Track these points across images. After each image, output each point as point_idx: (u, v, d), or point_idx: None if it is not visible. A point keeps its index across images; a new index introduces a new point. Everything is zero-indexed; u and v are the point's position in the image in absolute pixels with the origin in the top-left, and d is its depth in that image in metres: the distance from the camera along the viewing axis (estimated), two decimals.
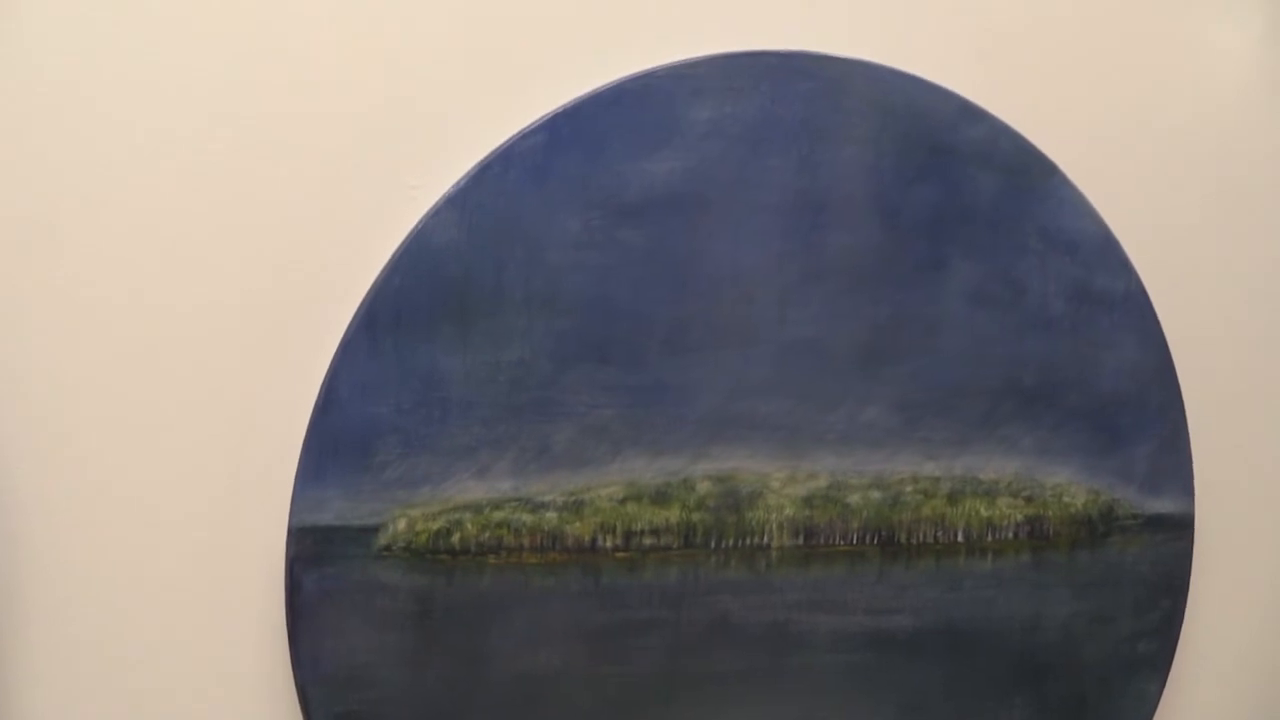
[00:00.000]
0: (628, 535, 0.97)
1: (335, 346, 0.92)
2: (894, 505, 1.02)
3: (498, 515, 0.95)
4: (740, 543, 0.99)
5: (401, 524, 0.93)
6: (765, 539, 1.00)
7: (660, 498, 0.98)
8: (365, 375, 0.92)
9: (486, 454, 0.94)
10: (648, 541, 0.97)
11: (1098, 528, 1.06)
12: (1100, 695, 1.08)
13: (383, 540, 0.93)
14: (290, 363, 0.94)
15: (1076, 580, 1.06)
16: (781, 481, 1.00)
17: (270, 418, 0.94)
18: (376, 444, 0.93)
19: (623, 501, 0.97)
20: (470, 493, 0.94)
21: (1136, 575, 1.08)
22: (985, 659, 1.04)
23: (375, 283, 0.92)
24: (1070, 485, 1.06)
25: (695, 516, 0.99)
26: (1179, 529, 1.09)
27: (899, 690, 1.03)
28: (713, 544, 0.99)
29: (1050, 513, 1.05)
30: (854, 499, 1.02)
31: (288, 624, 0.92)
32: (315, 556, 0.92)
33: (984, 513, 1.04)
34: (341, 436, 0.92)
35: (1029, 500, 1.05)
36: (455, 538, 0.94)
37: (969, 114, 1.01)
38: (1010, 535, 1.04)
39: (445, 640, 0.95)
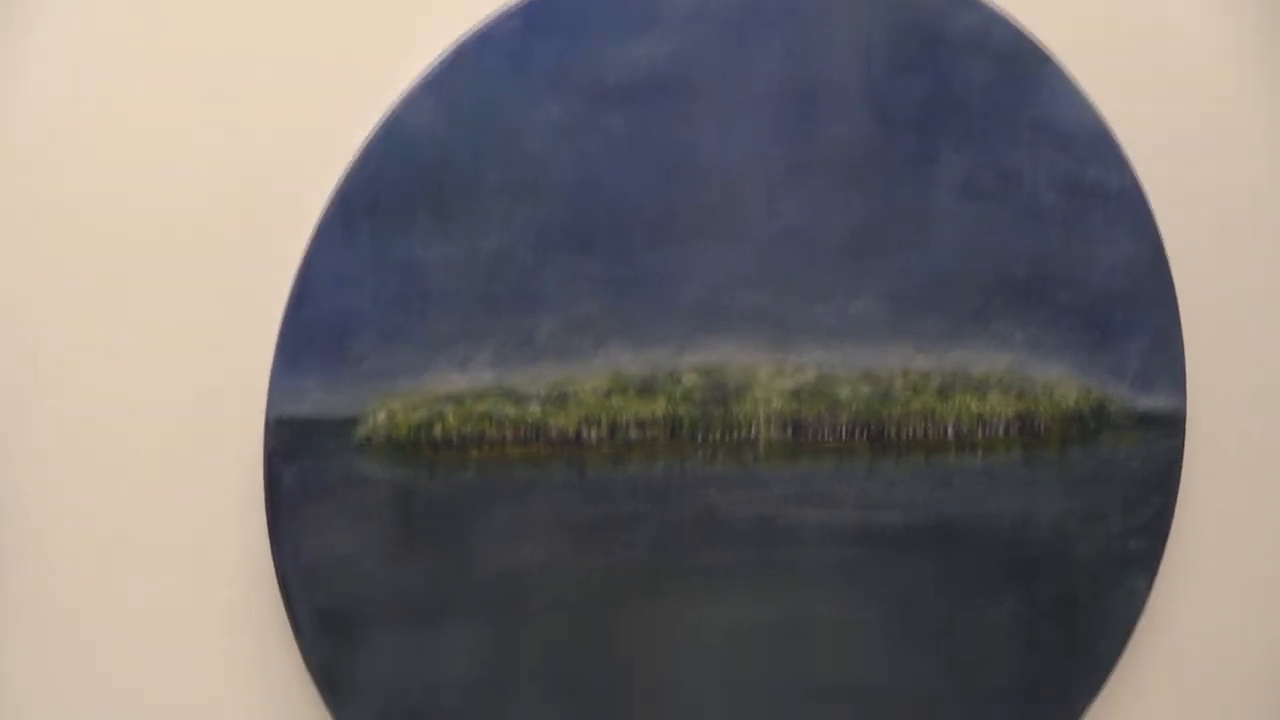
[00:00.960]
0: (613, 428, 0.87)
1: (310, 236, 0.82)
2: (884, 400, 0.91)
3: (480, 407, 0.85)
4: (727, 436, 0.89)
5: (381, 416, 0.83)
6: (752, 433, 0.89)
7: (646, 390, 0.87)
8: (341, 265, 0.82)
9: (467, 345, 0.84)
10: (633, 434, 0.87)
11: (1089, 424, 0.95)
12: (1090, 592, 0.97)
13: (363, 432, 0.83)
14: (265, 253, 0.83)
15: (1067, 477, 0.95)
16: (769, 374, 0.90)
17: (246, 310, 0.84)
18: (354, 335, 0.82)
19: (607, 394, 0.87)
20: (452, 384, 0.84)
21: (1127, 472, 0.97)
22: (975, 556, 0.94)
23: (349, 170, 0.81)
24: (1062, 381, 0.95)
25: (681, 409, 0.88)
26: (1170, 426, 0.97)
27: (888, 586, 0.92)
28: (699, 437, 0.88)
29: (1041, 409, 0.94)
30: (843, 393, 0.91)
31: (268, 518, 0.82)
32: (294, 449, 0.82)
33: (975, 408, 0.93)
34: (318, 327, 0.82)
35: (1020, 396, 0.94)
36: (437, 430, 0.84)
37: (961, 0, 0.89)
38: (1001, 431, 0.94)
39: (428, 533, 0.85)
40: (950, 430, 0.91)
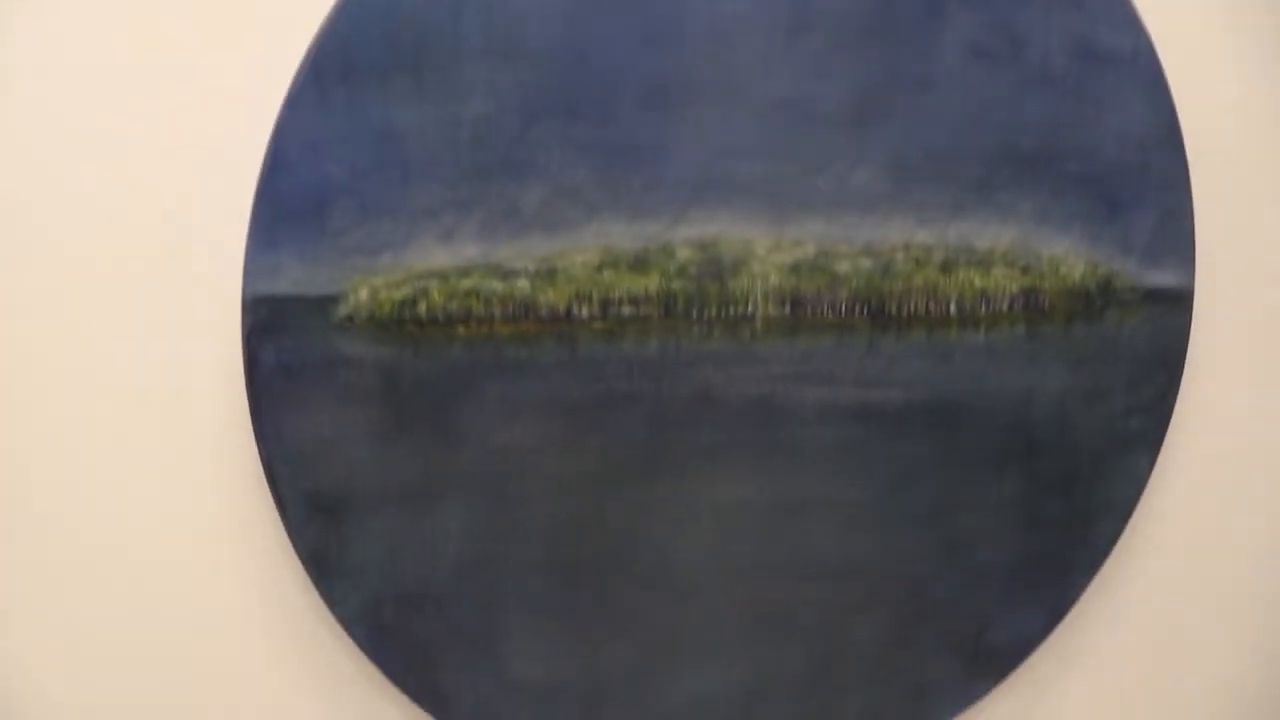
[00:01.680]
0: (605, 304, 0.78)
1: (281, 101, 0.72)
2: (885, 274, 0.82)
3: (466, 283, 0.76)
4: (723, 313, 0.80)
5: (363, 293, 0.75)
6: (749, 309, 0.81)
7: (639, 265, 0.78)
8: (315, 133, 0.72)
9: (451, 217, 0.75)
10: (626, 311, 0.78)
11: (1095, 301, 0.86)
12: (1091, 471, 0.89)
13: (344, 311, 0.74)
14: (233, 122, 0.74)
15: (1071, 354, 0.86)
16: (766, 248, 0.80)
17: (217, 182, 0.74)
18: (331, 207, 0.73)
19: (599, 269, 0.78)
20: (435, 259, 0.75)
21: (1132, 350, 0.88)
22: (976, 434, 0.86)
23: (321, 29, 0.71)
24: (1068, 256, 0.85)
25: (676, 285, 0.79)
26: (1177, 302, 0.88)
27: (888, 465, 0.84)
28: (694, 314, 0.80)
29: (1047, 284, 0.85)
30: (843, 267, 0.82)
31: (249, 401, 0.74)
32: (273, 328, 0.73)
33: (978, 283, 0.84)
34: (293, 199, 0.73)
35: (1025, 271, 0.85)
36: (421, 307, 0.75)
37: None
38: (1005, 307, 0.85)
39: (415, 414, 0.77)
40: (953, 306, 0.83)
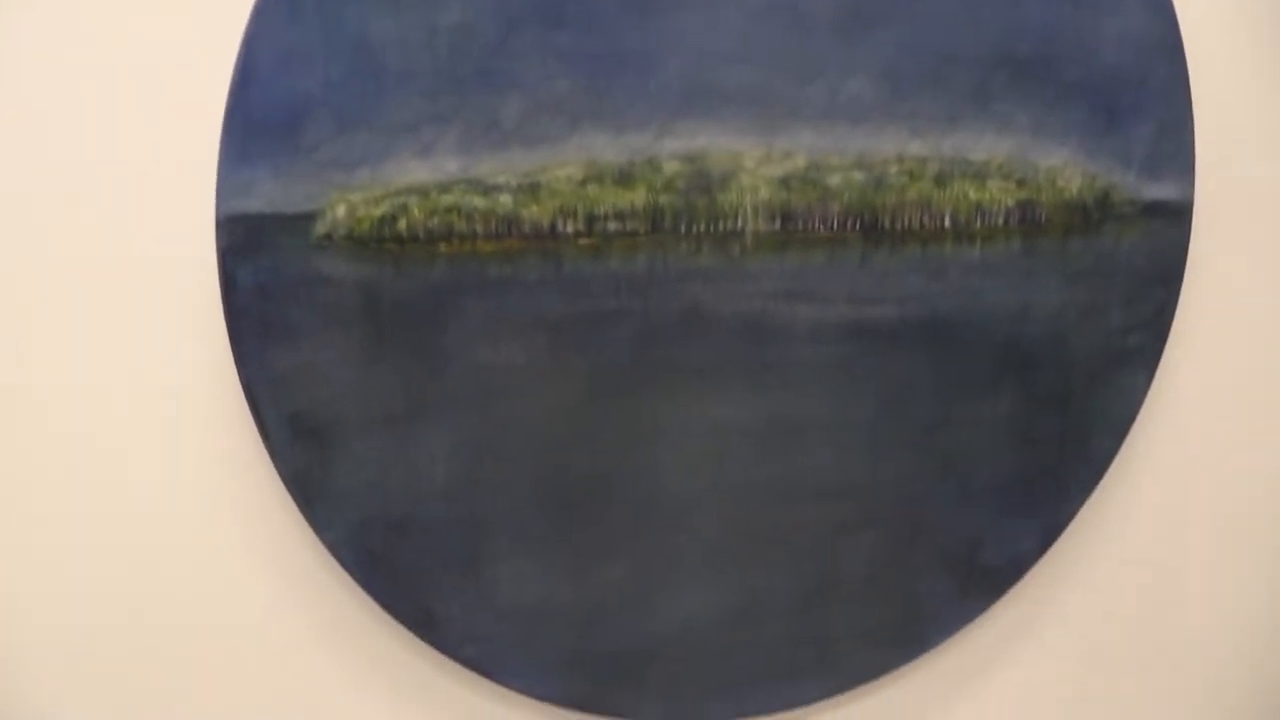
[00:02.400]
0: (590, 220, 0.75)
1: (249, 11, 0.69)
2: (877, 187, 0.80)
3: (446, 199, 0.73)
4: (712, 228, 0.78)
5: (340, 210, 0.72)
6: (739, 224, 0.78)
7: (624, 179, 0.76)
8: (286, 43, 0.69)
9: (429, 131, 0.72)
10: (612, 226, 0.76)
11: (1092, 214, 0.84)
12: (1087, 388, 0.87)
13: (321, 229, 0.72)
14: (201, 33, 0.71)
15: (1068, 269, 0.84)
16: (756, 161, 0.78)
17: (186, 97, 0.71)
18: (305, 120, 0.70)
19: (583, 183, 0.75)
20: (414, 174, 0.73)
21: (1130, 265, 0.85)
22: (971, 351, 0.83)
23: None
24: (1065, 168, 0.83)
25: (663, 199, 0.76)
26: (1177, 217, 0.86)
27: (881, 383, 0.82)
28: (682, 229, 0.77)
29: (1043, 197, 0.83)
30: (834, 180, 0.79)
31: (227, 323, 0.72)
32: (248, 247, 0.71)
33: (973, 196, 0.82)
34: (266, 113, 0.70)
35: (1021, 184, 0.82)
36: (401, 224, 0.73)
37: None
38: (1000, 221, 0.82)
39: (397, 334, 0.74)
40: (947, 220, 0.80)
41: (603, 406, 0.76)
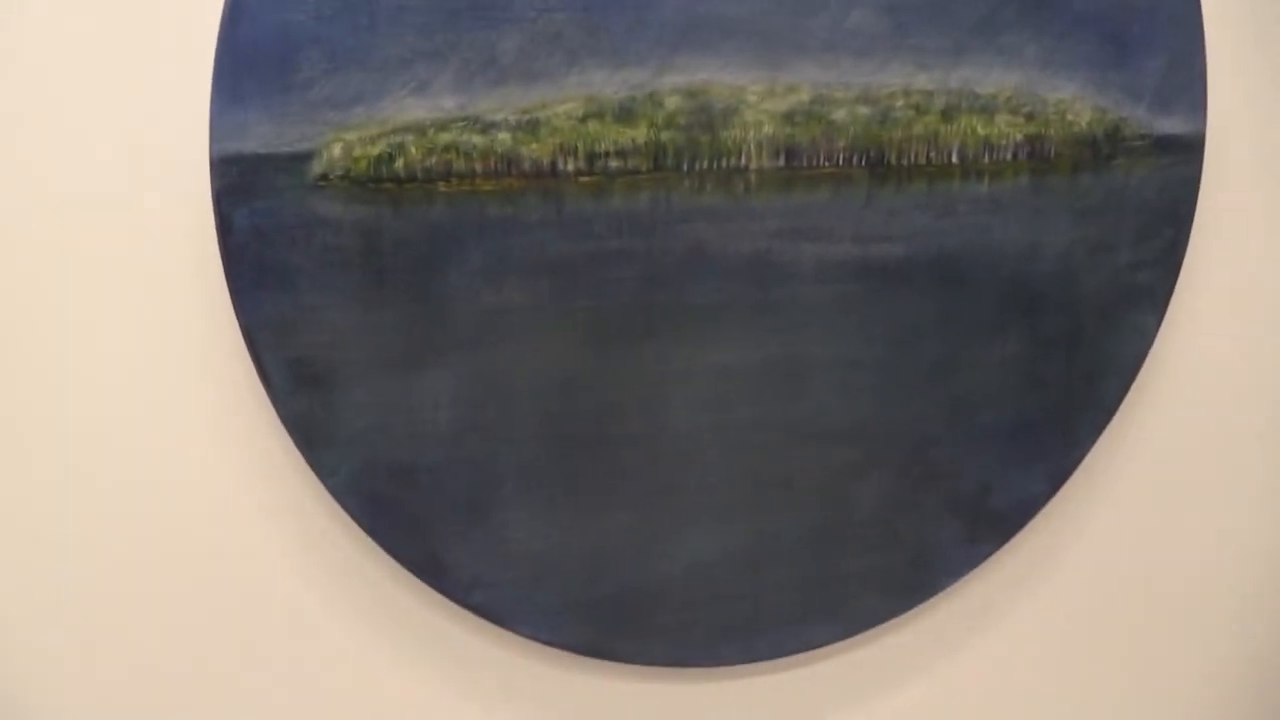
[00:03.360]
0: (591, 157, 0.73)
1: None
2: (883, 122, 0.78)
3: (444, 137, 0.71)
4: (715, 165, 0.76)
5: (336, 150, 0.70)
6: (743, 160, 0.76)
7: (625, 115, 0.74)
8: None
9: (425, 67, 0.70)
10: (613, 164, 0.74)
11: (1102, 149, 0.82)
12: (1097, 327, 0.85)
13: (317, 169, 0.70)
14: None
15: (1077, 206, 0.82)
16: (759, 95, 0.75)
17: (176, 35, 0.69)
18: (297, 57, 0.68)
19: (583, 119, 0.73)
20: (411, 112, 0.71)
21: (1140, 201, 0.83)
22: (979, 289, 0.81)
23: None
24: (1075, 101, 0.80)
25: (665, 135, 0.74)
26: (1188, 151, 0.83)
27: (888, 322, 0.80)
28: (685, 166, 0.75)
29: (1052, 132, 0.80)
30: (839, 115, 0.77)
31: (224, 267, 0.70)
32: (244, 189, 0.69)
33: (981, 131, 0.79)
34: (257, 49, 0.68)
35: (1030, 118, 0.80)
36: (398, 164, 0.71)
37: None
38: (1009, 156, 0.80)
39: (397, 276, 0.73)
40: (954, 155, 0.78)
41: (607, 349, 0.75)
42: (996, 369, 0.82)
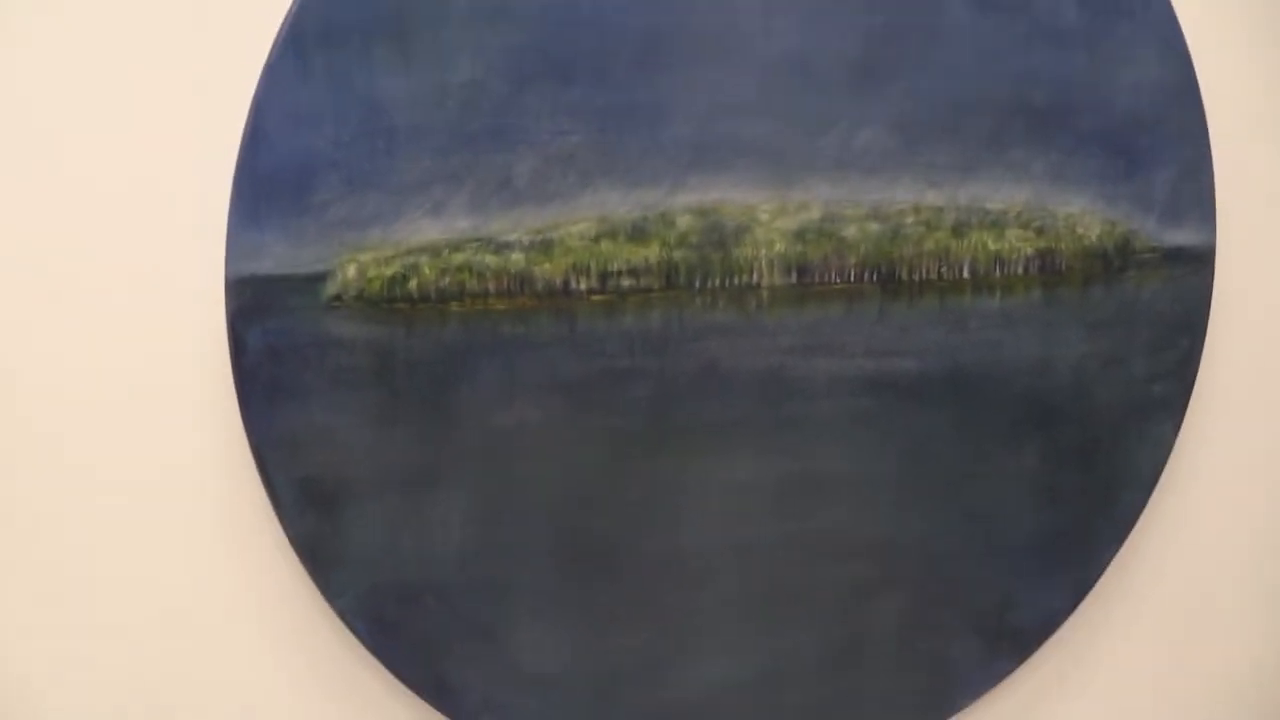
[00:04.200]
0: (603, 276, 0.73)
1: (259, 72, 0.68)
2: (894, 238, 0.77)
3: (458, 258, 0.71)
4: (727, 282, 0.75)
5: (351, 270, 0.70)
6: (754, 278, 0.76)
7: (637, 234, 0.73)
8: (296, 103, 0.68)
9: (440, 189, 0.70)
10: (626, 283, 0.74)
11: (1113, 261, 0.81)
12: (1113, 440, 0.84)
13: (331, 289, 0.70)
14: (211, 96, 0.69)
15: (1090, 319, 0.81)
16: (770, 214, 0.75)
17: (196, 159, 0.70)
18: (315, 181, 0.68)
19: (596, 239, 0.73)
20: (425, 233, 0.70)
21: (1153, 312, 0.83)
22: (992, 403, 0.80)
23: None
24: (1084, 215, 0.80)
25: (677, 254, 0.74)
26: (1199, 262, 0.83)
27: (902, 437, 0.79)
28: (697, 284, 0.75)
29: (1063, 245, 0.80)
30: (850, 232, 0.77)
31: (236, 386, 0.70)
32: (258, 309, 0.69)
33: (992, 246, 0.79)
34: (275, 174, 0.68)
35: (1040, 232, 0.80)
36: (412, 284, 0.71)
37: None
38: (1020, 270, 0.80)
39: (409, 396, 0.72)
40: (966, 270, 0.78)
41: (620, 467, 0.74)
42: (1013, 483, 0.81)
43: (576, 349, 0.71)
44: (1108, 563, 0.84)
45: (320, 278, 0.68)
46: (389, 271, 0.68)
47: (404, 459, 0.70)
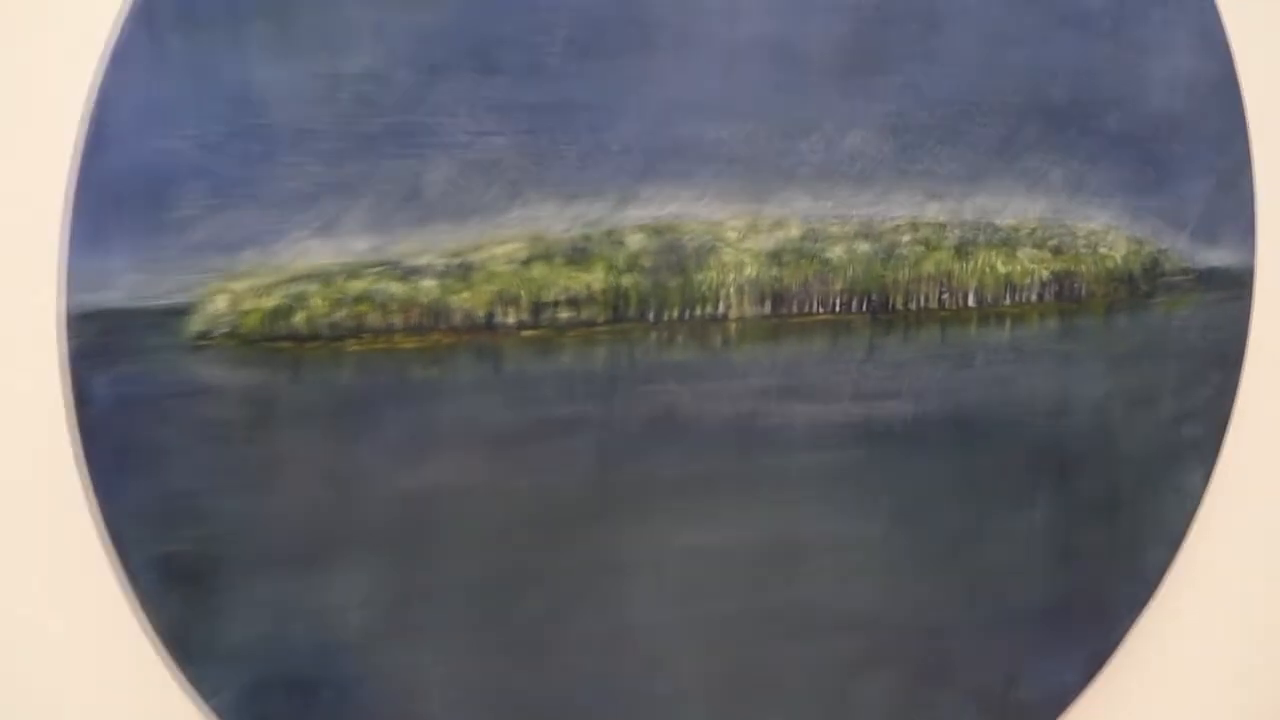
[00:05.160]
0: (536, 308, 0.60)
1: (103, 57, 0.54)
2: (887, 260, 0.65)
3: (356, 286, 0.57)
4: (688, 314, 0.62)
5: (221, 302, 0.56)
6: (721, 308, 0.62)
7: (578, 257, 0.60)
8: (150, 96, 0.54)
9: (333, 203, 0.56)
10: (564, 315, 0.60)
11: (1140, 286, 0.70)
12: (1136, 491, 0.73)
13: (197, 325, 0.56)
14: (43, 83, 0.56)
15: (1112, 352, 0.70)
16: (740, 232, 0.62)
17: (22, 166, 0.56)
18: (175, 192, 0.54)
19: (527, 262, 0.59)
20: (315, 256, 0.57)
21: (1184, 344, 0.72)
22: (1000, 452, 0.69)
23: None
24: (1108, 233, 0.69)
25: (626, 280, 0.61)
26: (1237, 287, 0.72)
27: (894, 494, 0.67)
28: (651, 316, 0.61)
29: (1083, 268, 0.68)
30: (836, 253, 0.64)
31: (83, 447, 0.56)
32: (106, 351, 0.55)
33: (1001, 268, 0.67)
34: (125, 183, 0.54)
35: (1057, 252, 0.68)
36: (299, 318, 0.57)
37: None
38: (1033, 297, 0.68)
39: (296, 454, 0.58)
40: (971, 297, 0.66)
41: (556, 535, 0.60)
42: (1023, 542, 0.70)
43: (503, 395, 0.58)
44: (1128, 630, 0.74)
45: (182, 311, 0.54)
46: (269, 303, 0.55)
47: (291, 530, 0.57)
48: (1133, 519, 0.73)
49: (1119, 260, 0.69)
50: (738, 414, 0.63)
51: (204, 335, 0.55)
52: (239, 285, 0.55)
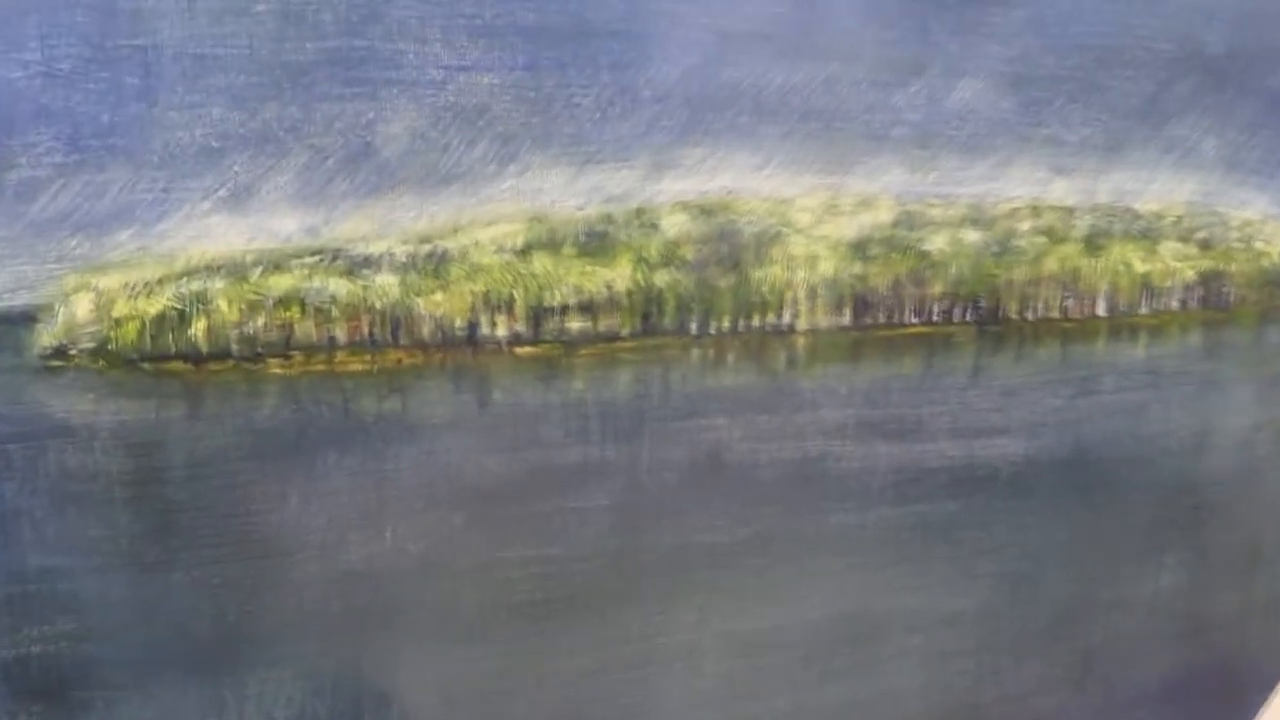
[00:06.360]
0: (537, 315, 0.42)
1: None
2: (1001, 254, 0.47)
3: (280, 282, 0.39)
4: (742, 325, 0.44)
5: (82, 305, 0.38)
6: (787, 317, 0.45)
7: (595, 245, 0.42)
8: None
9: (244, 160, 0.38)
10: (574, 326, 0.42)
11: None
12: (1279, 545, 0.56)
13: (48, 338, 0.38)
14: None
15: (1264, 374, 0.53)
16: (813, 214, 0.45)
17: None
18: (13, 142, 0.36)
19: (524, 252, 0.41)
20: (219, 238, 0.39)
21: None
22: (1125, 500, 0.53)
23: None
24: (1265, 223, 0.52)
25: (661, 278, 0.43)
26: None
27: (996, 554, 0.51)
28: (694, 328, 0.44)
29: (1234, 267, 0.52)
30: (935, 243, 0.46)
31: None
32: None
33: (1139, 267, 0.50)
34: None
35: (1205, 247, 0.51)
36: (197, 329, 0.39)
37: None
38: (1175, 304, 0.51)
39: (192, 522, 0.40)
40: (1101, 304, 0.48)
41: (561, 625, 0.43)
42: (1145, 610, 0.56)
43: (490, 437, 0.40)
44: (1259, 712, 0.56)
45: (27, 317, 0.35)
46: (153, 307, 0.36)
47: (183, 626, 0.39)
48: (1274, 580, 0.56)
49: (1277, 258, 0.52)
50: (804, 457, 0.45)
51: (58, 352, 0.36)
52: (108, 280, 0.36)
